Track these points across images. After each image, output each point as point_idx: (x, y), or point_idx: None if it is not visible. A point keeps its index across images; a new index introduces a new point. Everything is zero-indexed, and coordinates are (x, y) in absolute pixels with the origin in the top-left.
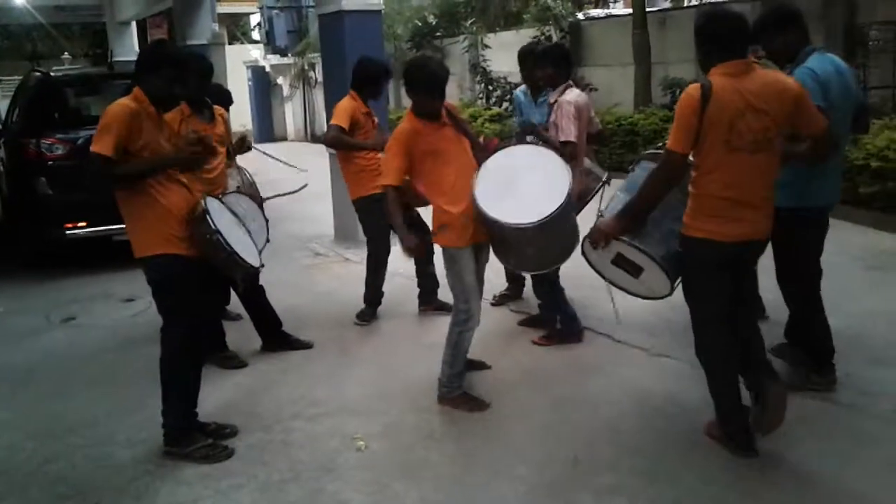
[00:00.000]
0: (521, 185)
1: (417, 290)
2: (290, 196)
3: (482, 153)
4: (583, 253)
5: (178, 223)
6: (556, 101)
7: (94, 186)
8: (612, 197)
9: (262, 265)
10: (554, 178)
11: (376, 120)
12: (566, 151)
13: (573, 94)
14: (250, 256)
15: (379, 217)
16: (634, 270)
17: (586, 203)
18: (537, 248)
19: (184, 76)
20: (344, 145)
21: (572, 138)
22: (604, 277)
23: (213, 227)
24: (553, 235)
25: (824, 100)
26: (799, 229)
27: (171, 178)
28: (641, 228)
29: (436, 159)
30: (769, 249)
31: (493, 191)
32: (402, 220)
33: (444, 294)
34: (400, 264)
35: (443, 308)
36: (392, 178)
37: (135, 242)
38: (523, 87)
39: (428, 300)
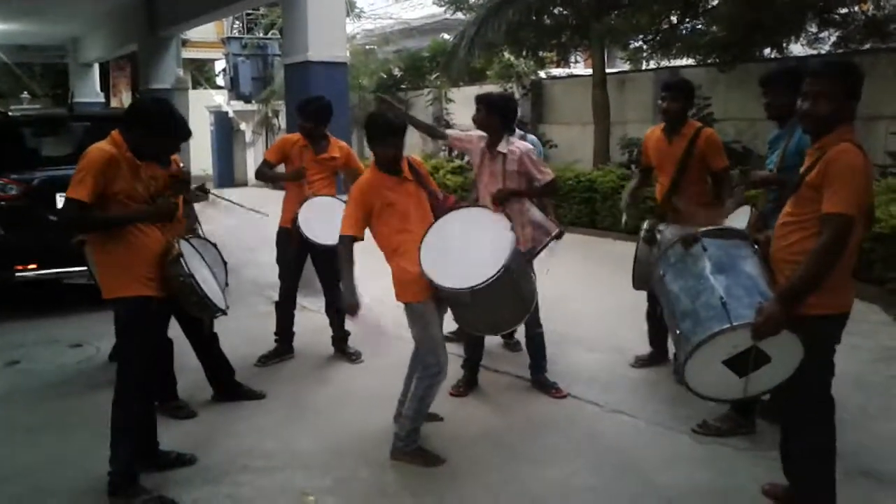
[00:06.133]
0: (466, 248)
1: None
2: (249, 242)
3: (441, 209)
4: (685, 361)
5: (151, 264)
6: (507, 151)
7: (67, 230)
8: (684, 289)
9: (228, 307)
10: (496, 247)
11: (328, 154)
12: (555, 187)
13: (525, 143)
14: (218, 299)
15: (282, 250)
16: (755, 364)
17: (535, 256)
18: (480, 310)
19: (175, 141)
20: (263, 177)
21: (552, 174)
22: (691, 390)
23: (186, 270)
24: (492, 301)
25: None
26: None
27: None
28: None
29: (394, 214)
30: None
31: (437, 251)
32: (351, 275)
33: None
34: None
35: (345, 354)
36: (350, 229)
37: (106, 283)
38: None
39: (338, 341)
